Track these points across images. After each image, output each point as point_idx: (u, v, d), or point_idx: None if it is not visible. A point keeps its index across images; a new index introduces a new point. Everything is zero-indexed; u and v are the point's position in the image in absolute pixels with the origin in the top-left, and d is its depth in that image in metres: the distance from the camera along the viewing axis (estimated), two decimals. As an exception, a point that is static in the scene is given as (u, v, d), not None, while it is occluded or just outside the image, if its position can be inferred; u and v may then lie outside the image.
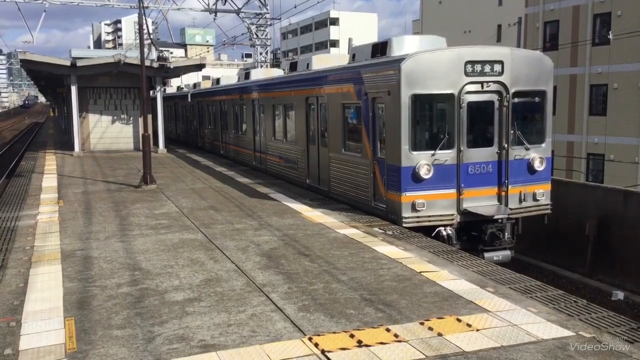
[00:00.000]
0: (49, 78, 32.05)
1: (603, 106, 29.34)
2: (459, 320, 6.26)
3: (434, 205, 10.58)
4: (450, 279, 7.71)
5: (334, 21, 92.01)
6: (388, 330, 6.02)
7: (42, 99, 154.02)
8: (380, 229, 10.56)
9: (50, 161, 23.23)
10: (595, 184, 18.72)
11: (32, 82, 70.53)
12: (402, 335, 5.88)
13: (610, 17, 28.48)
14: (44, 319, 6.49)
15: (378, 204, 11.51)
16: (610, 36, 27.10)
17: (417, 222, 10.56)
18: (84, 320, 6.42)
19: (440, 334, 5.90)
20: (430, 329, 6.04)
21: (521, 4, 35.38)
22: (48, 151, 27.74)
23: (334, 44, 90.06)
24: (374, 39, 71.08)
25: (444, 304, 6.79)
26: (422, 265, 8.34)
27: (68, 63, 24.56)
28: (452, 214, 10.66)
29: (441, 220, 10.59)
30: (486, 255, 10.42)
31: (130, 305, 6.90)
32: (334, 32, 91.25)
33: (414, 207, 10.51)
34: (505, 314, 6.45)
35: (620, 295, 12.89)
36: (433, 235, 10.37)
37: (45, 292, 7.41)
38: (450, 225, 10.62)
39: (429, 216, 10.58)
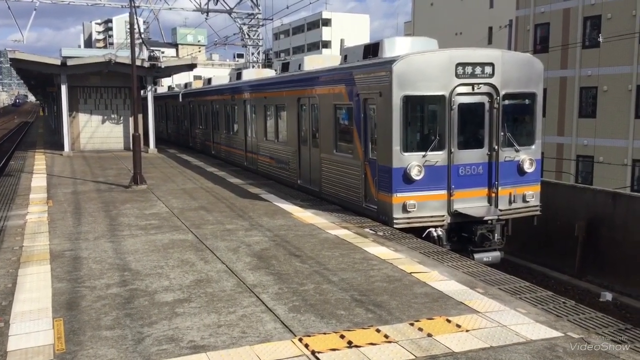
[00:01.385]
0: (38, 77, 31.87)
1: (593, 108, 29.55)
2: (449, 321, 6.28)
3: (425, 206, 10.62)
4: (441, 279, 7.74)
5: (326, 22, 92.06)
6: (378, 331, 6.04)
7: (31, 98, 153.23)
8: (371, 229, 10.58)
9: (39, 161, 23.09)
10: (585, 185, 18.88)
11: (22, 81, 70.06)
12: (392, 336, 5.90)
13: (600, 20, 28.69)
14: (32, 320, 6.45)
15: (369, 204, 11.52)
16: (600, 39, 27.30)
17: (408, 223, 10.58)
18: (73, 321, 6.39)
19: (430, 335, 5.92)
20: (420, 329, 6.06)
21: (512, 6, 35.56)
22: (37, 151, 27.56)
23: (326, 44, 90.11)
24: (366, 40, 71.18)
25: (434, 305, 6.81)
26: (412, 266, 8.36)
27: (58, 62, 24.42)
28: (443, 215, 10.69)
29: (432, 221, 10.62)
30: (476, 256, 10.47)
31: (119, 306, 6.87)
32: (326, 33, 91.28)
33: (404, 208, 10.53)
34: (495, 314, 6.48)
35: (608, 296, 12.99)
36: (424, 236, 10.40)
37: (34, 292, 7.36)
38: (441, 226, 10.66)
39: (420, 217, 10.61)
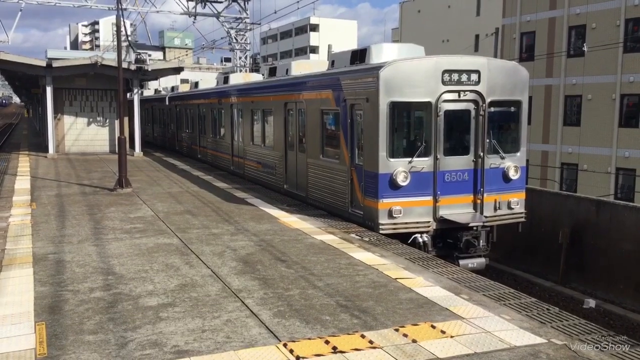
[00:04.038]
0: (23, 78, 31.57)
1: (577, 117, 29.88)
2: (434, 327, 6.30)
3: (411, 212, 10.65)
4: (426, 285, 7.76)
5: (314, 27, 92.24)
6: (363, 336, 6.04)
7: (16, 99, 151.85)
8: (357, 235, 10.59)
9: (23, 163, 22.85)
10: (569, 193, 19.03)
11: (7, 82, 69.34)
12: (377, 342, 5.90)
13: (585, 30, 29.06)
14: (14, 324, 6.37)
15: (355, 210, 11.54)
16: (585, 48, 27.62)
17: (394, 228, 10.61)
18: (55, 325, 6.32)
19: (414, 341, 5.93)
20: (405, 335, 6.07)
21: (499, 14, 35.89)
22: (22, 152, 27.28)
23: (314, 50, 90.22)
24: (353, 45, 71.38)
25: (419, 311, 6.83)
26: (397, 271, 8.38)
27: (43, 63, 24.22)
28: (428, 221, 10.73)
29: (417, 227, 10.66)
30: (461, 262, 10.51)
31: (102, 310, 6.81)
32: (313, 38, 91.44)
33: (390, 214, 10.56)
34: (479, 320, 6.50)
35: (592, 303, 13.10)
36: (409, 242, 10.43)
37: (16, 295, 7.27)
38: (426, 232, 10.70)
39: (406, 223, 10.64)
